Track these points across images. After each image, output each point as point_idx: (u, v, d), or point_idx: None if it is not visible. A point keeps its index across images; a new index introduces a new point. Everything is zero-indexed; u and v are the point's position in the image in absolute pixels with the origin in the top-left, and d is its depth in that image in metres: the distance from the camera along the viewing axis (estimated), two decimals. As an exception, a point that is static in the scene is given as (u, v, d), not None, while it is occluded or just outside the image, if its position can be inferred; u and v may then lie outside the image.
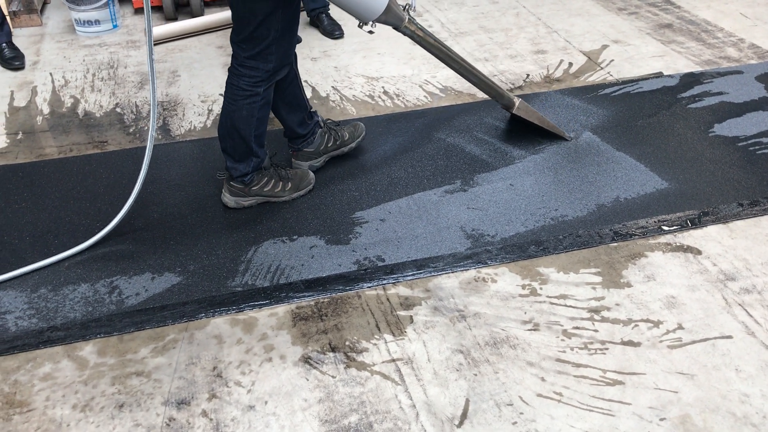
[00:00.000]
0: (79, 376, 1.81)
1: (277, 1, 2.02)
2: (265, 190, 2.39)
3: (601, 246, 2.23)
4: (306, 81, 3.28)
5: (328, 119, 2.67)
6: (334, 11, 4.02)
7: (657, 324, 1.94)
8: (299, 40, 2.29)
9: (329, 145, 2.59)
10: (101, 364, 1.85)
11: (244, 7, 2.06)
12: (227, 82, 2.22)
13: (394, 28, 2.32)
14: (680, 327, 1.93)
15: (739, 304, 2.00)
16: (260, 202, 2.41)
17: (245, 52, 2.14)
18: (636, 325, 1.94)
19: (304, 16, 3.83)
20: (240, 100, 2.20)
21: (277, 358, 1.86)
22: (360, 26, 2.25)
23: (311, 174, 2.52)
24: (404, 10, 2.30)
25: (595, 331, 1.93)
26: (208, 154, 2.72)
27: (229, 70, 2.21)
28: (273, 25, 2.08)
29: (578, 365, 1.83)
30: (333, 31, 3.66)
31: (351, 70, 3.38)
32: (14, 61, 3.40)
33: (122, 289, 2.08)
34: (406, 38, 3.67)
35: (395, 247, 2.23)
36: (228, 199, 2.39)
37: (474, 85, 2.63)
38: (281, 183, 2.42)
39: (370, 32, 2.26)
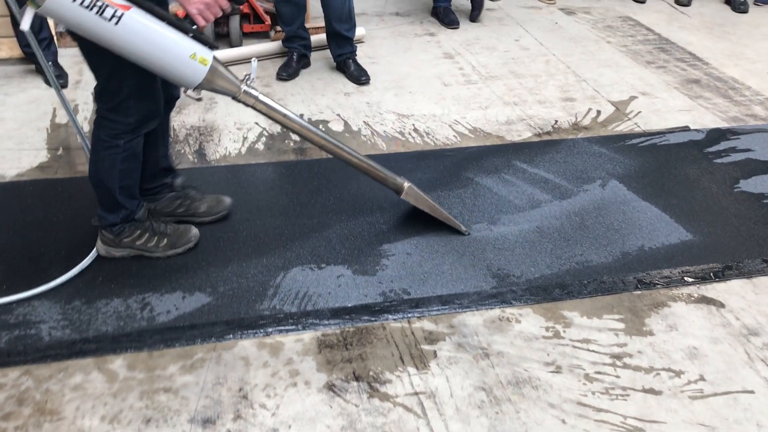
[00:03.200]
0: (108, 388, 1.85)
1: (117, 59, 1.90)
2: (138, 243, 2.29)
3: (624, 293, 2.25)
4: (338, 115, 3.36)
5: (192, 187, 2.52)
6: (363, 54, 4.12)
7: (678, 374, 1.96)
8: (177, 96, 2.24)
9: (178, 212, 2.45)
10: (130, 378, 1.89)
11: (90, 63, 2.02)
12: (92, 132, 2.15)
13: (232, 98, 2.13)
14: (702, 378, 1.94)
15: (762, 360, 2.01)
16: (133, 255, 2.31)
17: (104, 104, 2.08)
18: (658, 374, 1.96)
19: (331, 61, 3.92)
20: (101, 150, 2.13)
21: (302, 383, 1.90)
22: (185, 91, 2.09)
23: (193, 231, 2.38)
24: (243, 80, 2.09)
25: (617, 377, 1.95)
26: (241, 179, 2.79)
27: (93, 120, 2.16)
28: (124, 81, 2.00)
29: (599, 410, 1.84)
30: (359, 77, 3.71)
31: (383, 107, 3.46)
32: (58, 79, 3.52)
33: (154, 306, 2.13)
34: (438, 79, 3.80)
35: (421, 281, 2.26)
36: (99, 246, 2.30)
37: (351, 165, 2.40)
38: (156, 238, 2.31)
39: (198, 99, 2.13)
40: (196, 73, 1.95)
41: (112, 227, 2.27)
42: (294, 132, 2.29)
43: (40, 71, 3.61)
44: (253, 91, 2.12)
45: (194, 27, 1.94)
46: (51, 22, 3.75)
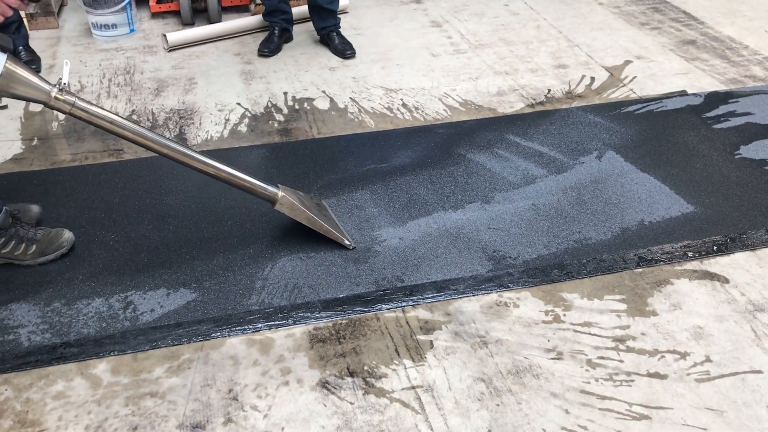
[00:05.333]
0: (92, 395, 1.77)
1: None
2: (3, 252, 2.13)
3: (625, 271, 2.18)
4: (324, 92, 3.24)
5: (22, 224, 2.19)
6: (347, 25, 3.99)
7: (684, 356, 1.89)
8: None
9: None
10: (115, 383, 1.81)
11: None
12: None
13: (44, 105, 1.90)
14: (708, 359, 1.88)
15: (769, 337, 1.95)
16: (2, 263, 2.15)
17: None
18: (662, 357, 1.89)
19: (314, 34, 3.78)
20: None
21: (294, 381, 1.82)
22: None
23: (66, 235, 2.20)
24: (56, 85, 1.88)
25: (621, 361, 1.88)
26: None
27: None
28: None
29: (603, 397, 1.78)
30: (344, 51, 3.57)
31: (369, 81, 3.34)
32: (31, 64, 3.38)
33: (137, 305, 2.04)
34: (426, 50, 3.67)
35: (414, 267, 2.18)
36: None
37: (208, 176, 2.13)
38: (23, 245, 2.14)
39: (3, 107, 1.96)
40: None
41: None
42: (129, 141, 2.01)
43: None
44: (67, 97, 1.87)
45: None
46: (20, 4, 3.59)
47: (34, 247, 2.16)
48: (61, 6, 4.20)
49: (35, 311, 2.01)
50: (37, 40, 3.73)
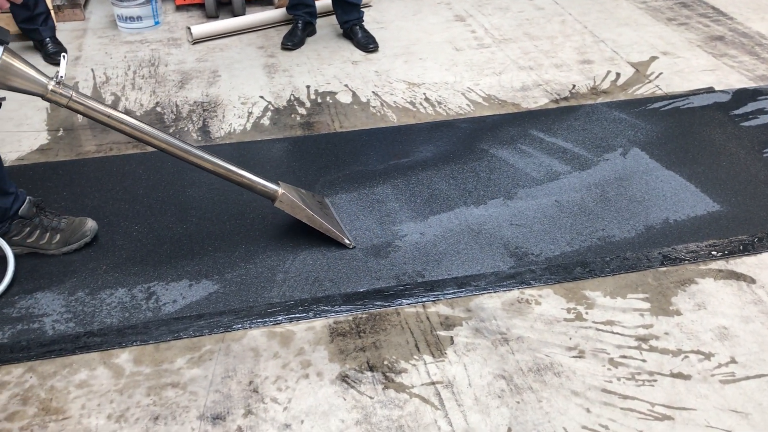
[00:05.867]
0: (114, 384, 1.79)
1: None
2: (28, 241, 2.16)
3: (649, 270, 2.15)
4: (346, 85, 3.24)
5: (46, 214, 2.23)
6: (370, 19, 3.98)
7: (708, 356, 1.87)
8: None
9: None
10: (137, 373, 1.83)
11: None
12: None
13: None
14: (733, 361, 1.85)
15: (796, 339, 1.91)
16: (27, 252, 2.18)
17: None
18: (686, 357, 1.87)
19: (337, 28, 3.77)
20: None
21: (314, 374, 1.82)
22: None
23: (89, 224, 2.22)
24: (53, 78, 1.88)
25: (643, 361, 1.86)
26: (247, 158, 2.69)
27: None
28: None
29: (625, 397, 1.76)
30: (367, 44, 3.56)
31: (392, 75, 3.33)
32: (57, 56, 3.41)
33: (159, 296, 2.05)
34: (449, 44, 3.65)
35: (435, 262, 2.17)
36: None
37: (206, 171, 2.11)
38: (48, 235, 2.17)
39: (1, 99, 1.90)
40: None
41: None
42: (126, 135, 2.01)
43: (38, 47, 3.50)
44: (64, 90, 1.88)
45: None
46: (47, -4, 3.63)
47: (58, 236, 2.19)
48: (88, -2, 4.23)
49: (59, 300, 2.04)
50: (64, 31, 3.76)
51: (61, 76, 1.89)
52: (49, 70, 3.37)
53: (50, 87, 1.88)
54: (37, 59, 3.46)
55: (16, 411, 1.72)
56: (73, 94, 1.91)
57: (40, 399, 1.76)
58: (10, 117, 2.98)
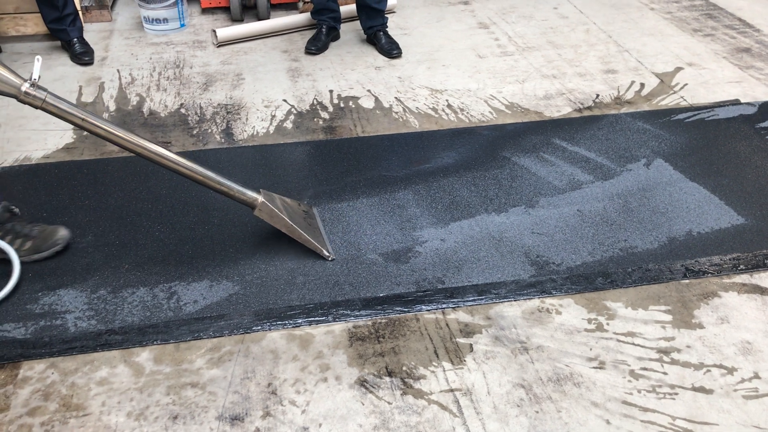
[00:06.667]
0: (134, 383, 1.81)
1: None
2: None
3: (671, 282, 2.13)
4: (369, 90, 3.24)
5: (19, 220, 2.23)
6: (394, 25, 3.99)
7: (731, 371, 1.84)
8: None
9: None
10: (157, 372, 1.84)
11: None
12: None
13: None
14: (756, 376, 1.83)
15: (821, 356, 1.88)
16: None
17: None
18: (708, 371, 1.84)
19: (361, 33, 3.78)
20: None
21: (333, 378, 1.83)
22: None
23: (61, 233, 2.20)
24: (28, 80, 1.89)
25: (665, 373, 1.84)
26: (269, 160, 2.71)
27: None
28: None
29: (645, 409, 1.74)
30: (391, 50, 3.57)
31: (415, 81, 3.34)
32: (84, 56, 3.45)
33: (180, 296, 2.07)
34: (472, 51, 3.64)
35: (456, 269, 2.17)
36: None
37: (184, 177, 2.10)
38: (19, 241, 2.16)
39: None
40: None
41: None
42: (101, 138, 1.99)
43: (66, 48, 3.55)
44: (38, 92, 1.88)
45: None
46: (76, -3, 3.68)
47: (29, 243, 2.17)
48: (115, 0, 4.28)
49: (82, 298, 2.06)
50: (91, 32, 3.81)
51: (35, 78, 1.90)
52: (76, 69, 3.41)
53: (23, 89, 1.88)
54: (65, 59, 3.51)
55: (37, 406, 1.74)
56: (47, 96, 1.91)
57: (61, 395, 1.77)
58: (36, 116, 3.01)
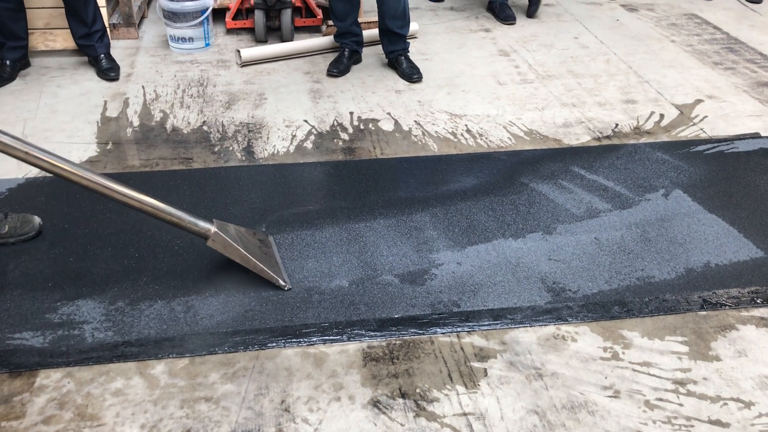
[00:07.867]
0: (149, 395, 1.81)
1: None
2: None
3: (689, 313, 2.12)
4: (389, 113, 3.28)
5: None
6: (415, 50, 4.03)
7: (748, 405, 1.82)
8: None
9: None
10: (171, 385, 1.85)
11: None
12: None
13: None
14: (774, 411, 1.81)
15: (841, 393, 1.86)
16: None
17: None
18: (725, 404, 1.82)
19: (382, 57, 3.83)
20: None
21: (346, 398, 1.82)
22: None
23: (35, 222, 2.34)
24: None
25: (680, 405, 1.82)
26: (289, 179, 2.73)
27: None
28: None
29: (661, 441, 1.72)
30: (411, 75, 3.61)
31: (434, 106, 3.36)
32: (110, 72, 3.52)
33: (197, 310, 2.08)
34: (493, 78, 3.67)
35: (471, 293, 2.17)
36: None
37: (132, 209, 2.07)
38: None
39: None
40: None
41: None
42: (44, 170, 1.93)
43: (93, 63, 3.61)
44: None
45: None
46: (105, 14, 3.76)
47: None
48: (142, 18, 4.37)
49: (100, 309, 2.08)
50: (118, 49, 3.88)
51: None
52: (102, 84, 3.48)
53: None
54: (91, 74, 3.58)
55: (52, 415, 1.75)
56: None
57: (76, 404, 1.78)
58: (62, 128, 3.07)
